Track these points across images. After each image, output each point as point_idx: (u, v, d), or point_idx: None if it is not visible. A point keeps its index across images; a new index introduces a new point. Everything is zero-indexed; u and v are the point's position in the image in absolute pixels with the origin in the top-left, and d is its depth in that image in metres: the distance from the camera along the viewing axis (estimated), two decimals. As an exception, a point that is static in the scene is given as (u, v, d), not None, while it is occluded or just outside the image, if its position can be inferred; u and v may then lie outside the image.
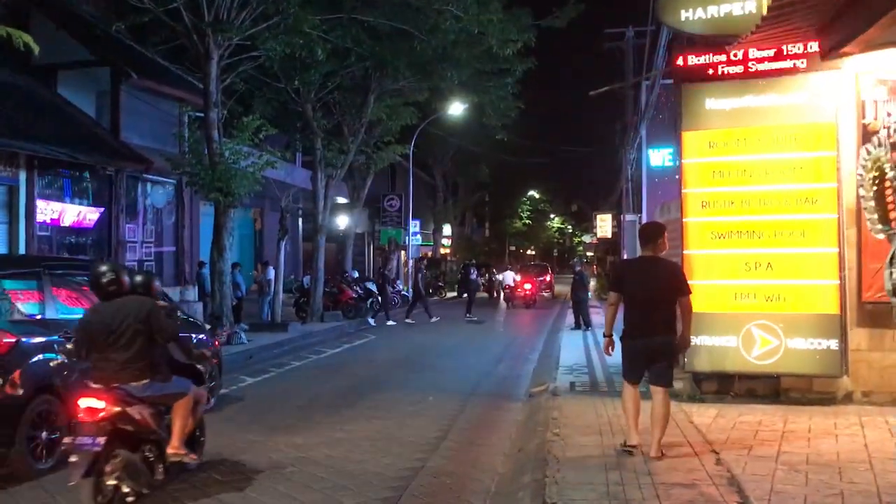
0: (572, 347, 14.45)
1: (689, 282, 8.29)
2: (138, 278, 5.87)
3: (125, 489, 5.01)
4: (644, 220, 31.25)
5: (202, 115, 16.04)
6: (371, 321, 21.38)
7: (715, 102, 8.60)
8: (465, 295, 25.32)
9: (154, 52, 19.19)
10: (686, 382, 8.86)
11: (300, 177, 26.15)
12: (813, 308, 8.20)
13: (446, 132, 34.74)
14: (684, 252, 8.64)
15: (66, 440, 5.02)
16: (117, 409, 5.05)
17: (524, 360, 14.00)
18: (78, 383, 5.70)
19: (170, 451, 5.33)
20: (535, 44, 21.57)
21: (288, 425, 8.24)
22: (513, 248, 68.76)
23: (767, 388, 8.61)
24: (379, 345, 16.75)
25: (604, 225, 37.19)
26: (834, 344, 8.11)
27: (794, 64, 8.22)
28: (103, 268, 5.44)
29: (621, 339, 6.27)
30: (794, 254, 8.25)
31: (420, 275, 23.76)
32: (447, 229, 43.97)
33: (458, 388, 10.72)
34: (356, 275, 23.98)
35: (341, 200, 30.00)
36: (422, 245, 41.47)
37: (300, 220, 33.01)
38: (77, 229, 16.22)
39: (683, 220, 8.66)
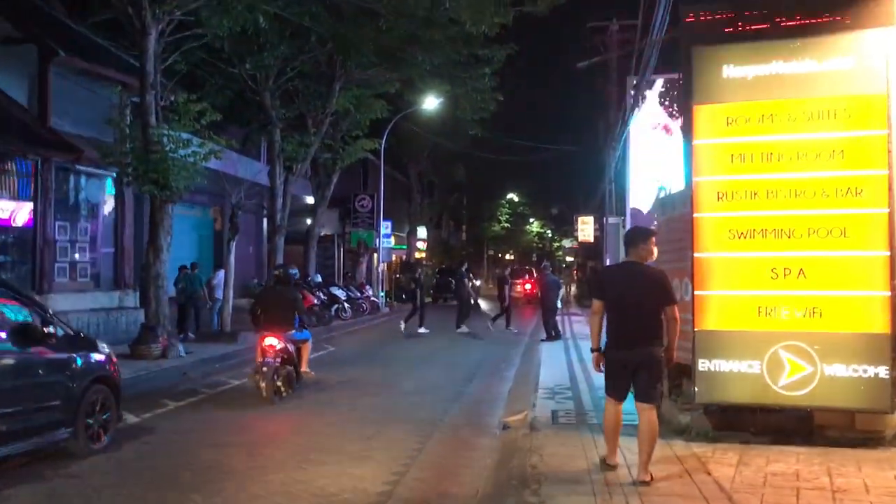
0: (553, 364, 12.76)
1: (700, 292, 6.78)
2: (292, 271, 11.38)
3: (283, 388, 9.80)
4: (628, 223, 29.75)
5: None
6: (422, 330, 19.76)
7: (734, 70, 6.94)
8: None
9: (92, 30, 17.29)
10: (695, 417, 7.19)
11: (265, 173, 24.18)
12: (856, 326, 6.54)
13: (421, 128, 33.01)
14: (695, 255, 6.96)
15: (259, 360, 9.75)
16: (282, 344, 9.90)
17: (500, 378, 12.27)
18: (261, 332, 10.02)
19: (302, 370, 10.57)
20: (517, 40, 20.11)
21: (187, 483, 6.43)
22: (491, 253, 67.12)
23: (797, 425, 6.94)
24: (338, 357, 14.95)
25: (585, 228, 35.58)
26: (883, 371, 6.45)
27: (837, 18, 6.57)
28: (280, 269, 11.35)
29: (604, 352, 5.91)
30: (833, 258, 6.59)
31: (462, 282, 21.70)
32: (422, 232, 42.17)
33: (421, 416, 8.96)
34: (319, 279, 22.17)
35: (310, 200, 28.28)
36: (395, 248, 39.65)
37: (264, 220, 31.26)
38: (-4, 227, 14.30)
39: (694, 215, 6.98)
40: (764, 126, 6.81)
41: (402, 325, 20.08)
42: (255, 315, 10.34)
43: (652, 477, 5.59)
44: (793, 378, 6.65)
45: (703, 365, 6.90)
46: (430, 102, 26.91)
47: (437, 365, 13.85)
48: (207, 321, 18.47)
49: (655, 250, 6.11)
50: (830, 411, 6.76)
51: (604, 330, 5.98)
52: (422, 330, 19.94)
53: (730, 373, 6.82)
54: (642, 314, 5.73)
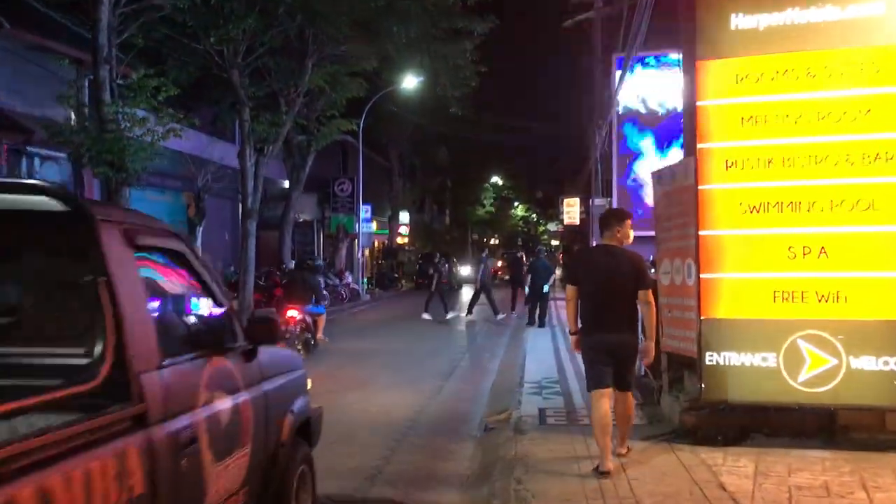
0: (539, 353, 11.92)
1: (706, 275, 5.93)
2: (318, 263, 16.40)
3: (301, 352, 11.27)
4: (615, 204, 28.92)
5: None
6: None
7: (744, 19, 6.04)
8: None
9: (44, 3, 16.14)
10: (702, 417, 6.34)
11: (233, 155, 23.09)
12: (887, 312, 5.70)
13: (402, 109, 31.96)
14: (700, 233, 6.09)
15: (282, 329, 9.60)
16: (301, 315, 12.30)
17: (482, 370, 11.41)
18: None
19: (318, 337, 13.15)
20: (499, 14, 19.14)
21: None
22: (475, 237, 66.16)
23: (817, 425, 6.11)
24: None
25: (571, 210, 34.70)
26: (918, 364, 5.63)
27: (865, -45, 5.70)
28: (310, 259, 16.28)
29: (582, 337, 5.67)
30: (860, 234, 5.75)
31: (483, 267, 21.00)
32: (404, 217, 41.16)
33: (392, 418, 8.06)
34: (293, 266, 21.13)
35: (287, 184, 27.28)
36: (376, 233, 38.67)
37: (240, 205, 30.16)
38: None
39: (699, 187, 6.10)
40: (779, 83, 5.92)
41: (426, 314, 19.70)
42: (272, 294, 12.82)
43: (629, 449, 5.76)
44: (814, 372, 5.81)
45: (710, 358, 6.04)
46: (410, 81, 25.90)
47: (416, 357, 12.95)
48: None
49: (632, 233, 5.77)
50: (857, 409, 5.92)
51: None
52: (450, 315, 20.02)
53: (741, 367, 5.97)
54: (618, 299, 5.48)
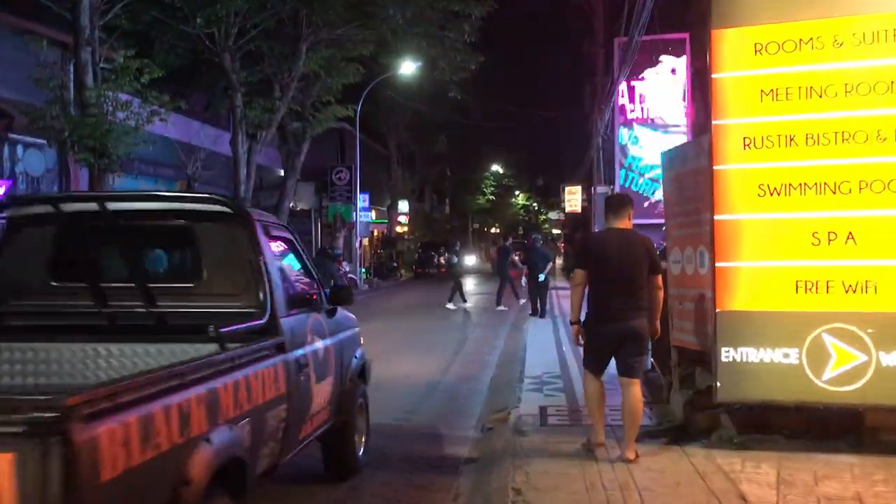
0: (540, 345, 11.43)
1: (722, 264, 5.43)
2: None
3: None
4: (618, 190, 28.38)
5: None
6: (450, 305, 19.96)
7: (764, -18, 5.52)
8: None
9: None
10: (716, 417, 5.85)
11: (224, 141, 22.50)
12: (921, 303, 5.20)
13: (400, 95, 31.41)
14: (716, 218, 5.57)
15: None
16: None
17: (481, 364, 10.92)
18: None
19: None
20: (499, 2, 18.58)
21: None
22: (476, 226, 65.69)
23: (843, 427, 5.62)
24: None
25: (573, 198, 34.17)
26: (956, 360, 5.14)
27: None
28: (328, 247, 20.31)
29: (585, 324, 5.58)
30: (893, 218, 5.23)
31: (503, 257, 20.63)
32: (404, 206, 40.64)
33: (383, 418, 7.56)
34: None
35: (282, 173, 26.80)
36: (375, 223, 38.19)
37: (234, 193, 29.68)
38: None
39: (714, 168, 5.58)
40: (802, 53, 5.40)
41: (450, 304, 20.09)
42: None
43: (637, 455, 5.33)
44: (840, 370, 5.31)
45: (726, 354, 5.54)
46: (408, 67, 25.37)
47: (413, 350, 12.46)
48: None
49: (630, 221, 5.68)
50: (888, 411, 5.43)
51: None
52: (450, 306, 20.14)
53: (760, 364, 5.47)
54: (630, 284, 5.34)
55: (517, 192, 71.16)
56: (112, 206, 4.49)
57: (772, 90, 5.44)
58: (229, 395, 3.39)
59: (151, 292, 4.47)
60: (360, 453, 5.61)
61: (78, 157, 12.26)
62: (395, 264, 36.16)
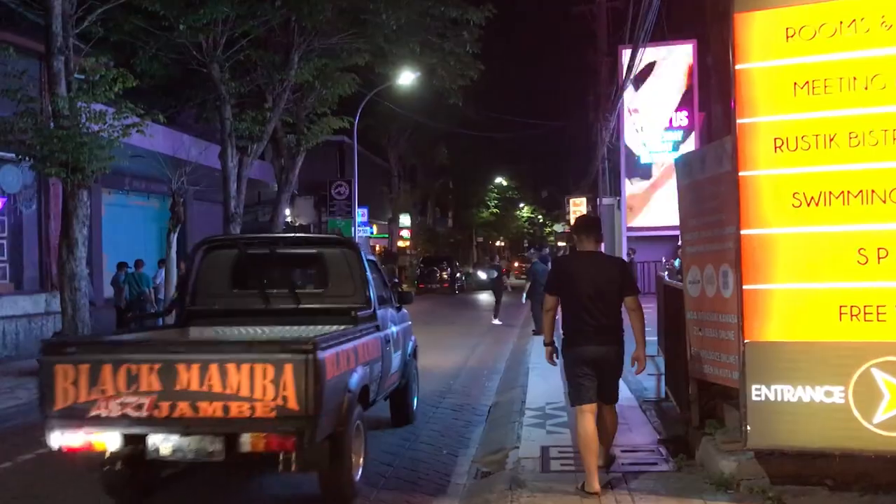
0: (544, 370, 10.55)
1: (751, 286, 4.63)
2: None
3: None
4: (624, 202, 27.58)
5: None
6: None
7: (795, -43, 4.73)
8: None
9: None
10: (745, 463, 5.03)
11: (210, 154, 21.66)
12: None
13: (400, 106, 30.68)
14: (743, 233, 4.76)
15: None
16: None
17: (480, 390, 10.10)
18: None
19: None
20: (500, 6, 17.90)
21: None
22: (480, 240, 64.87)
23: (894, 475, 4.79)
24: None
25: (578, 210, 33.31)
26: None
27: None
28: None
29: (563, 350, 5.46)
30: (954, 231, 4.42)
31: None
32: (405, 220, 39.86)
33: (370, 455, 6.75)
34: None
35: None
36: (376, 237, 37.42)
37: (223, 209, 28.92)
38: None
39: (740, 174, 4.78)
40: (844, 38, 4.60)
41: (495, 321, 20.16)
42: None
43: (613, 457, 5.75)
44: (894, 411, 4.48)
45: (756, 393, 4.72)
46: (406, 77, 24.54)
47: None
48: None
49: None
50: (953, 459, 4.59)
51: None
52: (496, 322, 20.15)
53: (798, 404, 4.64)
54: (603, 307, 5.25)
55: (521, 205, 70.37)
56: (271, 244, 7.52)
57: (807, 82, 4.64)
58: (360, 350, 5.79)
59: (297, 295, 7.00)
60: (414, 409, 8.13)
61: (47, 172, 11.51)
62: (396, 280, 35.37)
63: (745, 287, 4.76)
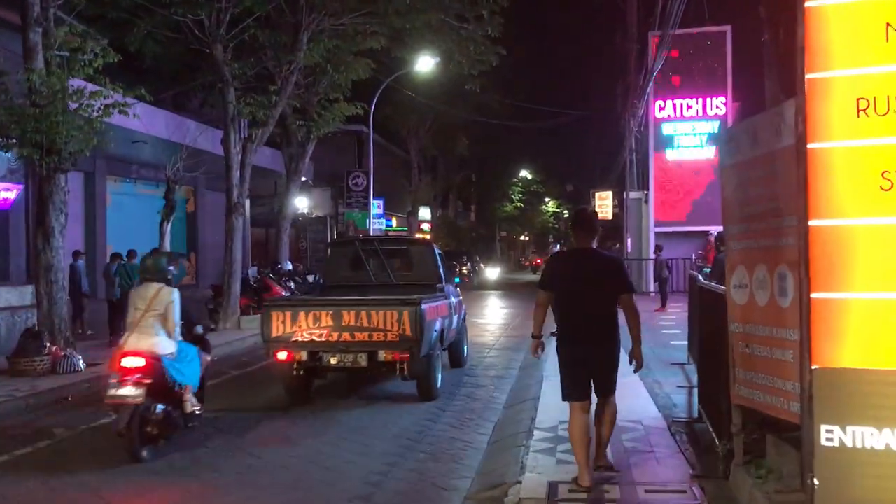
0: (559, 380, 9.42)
1: (821, 295, 3.45)
2: None
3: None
4: (651, 196, 26.25)
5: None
6: None
7: None
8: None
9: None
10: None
11: (208, 138, 20.57)
12: None
13: (420, 94, 29.58)
14: (810, 223, 3.60)
15: None
16: None
17: (484, 403, 8.98)
18: None
19: None
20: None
21: None
22: (504, 234, 63.61)
23: None
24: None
25: (604, 204, 32.03)
26: None
27: None
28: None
29: (557, 347, 5.36)
30: None
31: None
32: (425, 213, 38.80)
33: (346, 484, 5.68)
34: (289, 267, 18.88)
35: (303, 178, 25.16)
36: (394, 230, 36.36)
37: (247, 201, 28.05)
38: None
39: (808, 146, 3.61)
40: (955, -37, 3.42)
41: None
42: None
43: (609, 464, 5.47)
44: None
45: (828, 436, 3.56)
46: (425, 63, 23.34)
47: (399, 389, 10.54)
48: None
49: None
50: None
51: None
52: None
53: (888, 454, 3.48)
54: (598, 306, 5.25)
55: (547, 199, 68.97)
56: (374, 241, 11.70)
57: (903, 23, 3.47)
58: (439, 309, 9.13)
59: (393, 276, 10.45)
60: (465, 356, 11.55)
61: (20, 154, 10.59)
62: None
63: (812, 296, 3.59)
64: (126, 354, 6.45)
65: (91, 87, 10.91)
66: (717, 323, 6.06)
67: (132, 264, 14.98)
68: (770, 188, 4.34)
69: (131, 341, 6.56)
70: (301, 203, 31.34)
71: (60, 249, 11.05)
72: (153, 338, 6.59)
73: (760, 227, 4.46)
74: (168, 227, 14.30)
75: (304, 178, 26.74)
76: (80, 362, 10.77)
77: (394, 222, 36.63)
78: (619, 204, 31.23)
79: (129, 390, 6.27)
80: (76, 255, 15.24)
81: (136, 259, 15.24)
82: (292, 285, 17.98)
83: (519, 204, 59.71)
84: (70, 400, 9.35)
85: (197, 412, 6.93)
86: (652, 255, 25.22)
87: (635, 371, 5.45)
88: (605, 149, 37.12)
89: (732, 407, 4.91)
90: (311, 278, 20.12)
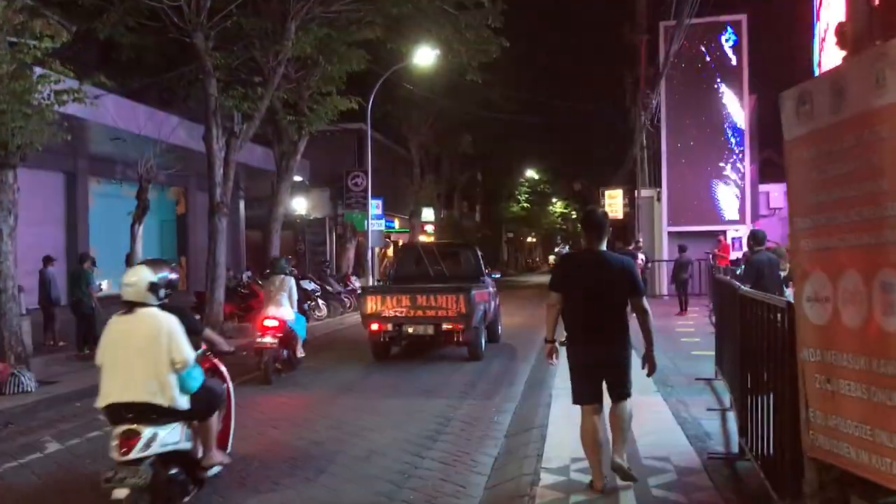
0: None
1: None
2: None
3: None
4: (665, 193, 24.97)
5: None
6: None
7: None
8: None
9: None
10: None
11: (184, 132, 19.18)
12: None
13: (421, 90, 28.37)
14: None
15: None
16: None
17: (484, 428, 7.76)
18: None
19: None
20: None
21: None
22: (510, 235, 62.32)
23: None
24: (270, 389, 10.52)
25: (613, 203, 30.69)
26: None
27: None
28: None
29: (567, 350, 5.32)
30: None
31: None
32: (428, 213, 37.54)
33: None
34: (284, 270, 17.60)
35: (297, 178, 24.02)
36: (396, 232, 35.14)
37: (241, 203, 26.91)
38: None
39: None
40: None
41: None
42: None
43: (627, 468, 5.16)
44: None
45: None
46: (424, 56, 21.98)
47: (399, 407, 9.34)
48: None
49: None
50: None
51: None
52: None
53: None
54: (607, 307, 5.20)
55: (554, 200, 67.64)
56: (432, 245, 17.60)
57: None
58: (482, 295, 12.51)
59: (446, 271, 13.65)
60: (499, 333, 14.45)
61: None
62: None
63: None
64: (266, 317, 10.49)
65: (41, 71, 9.74)
66: (762, 340, 4.88)
67: (84, 270, 13.47)
68: (865, 164, 3.12)
69: (270, 310, 10.61)
70: (299, 205, 30.22)
71: (10, 255, 9.89)
72: (282, 308, 10.65)
73: (850, 219, 3.24)
74: (140, 230, 13.13)
75: (300, 179, 25.60)
76: (32, 382, 9.60)
77: (396, 224, 35.45)
78: (630, 202, 29.95)
79: (268, 340, 10.34)
80: (47, 261, 14.07)
81: (89, 264, 13.65)
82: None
83: (525, 204, 58.39)
84: (10, 427, 8.18)
85: (301, 356, 11.27)
86: (665, 256, 23.99)
87: (648, 375, 5.36)
88: (614, 145, 35.83)
89: (805, 460, 3.68)
90: (306, 285, 18.91)
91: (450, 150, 38.02)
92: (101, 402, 4.68)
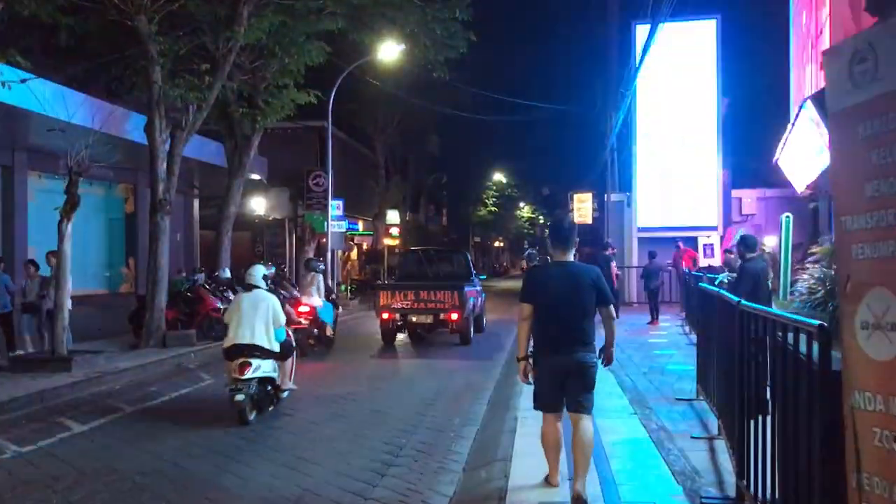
0: (537, 423, 7.27)
1: None
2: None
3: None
4: (636, 197, 24.25)
5: None
6: None
7: None
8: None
9: None
10: None
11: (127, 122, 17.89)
12: None
13: (387, 87, 27.35)
14: None
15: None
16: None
17: (443, 453, 6.79)
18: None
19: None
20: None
21: None
22: (477, 240, 61.43)
23: None
24: (203, 397, 9.45)
25: (583, 207, 29.94)
26: None
27: None
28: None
29: (534, 357, 5.38)
30: None
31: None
32: (393, 216, 36.49)
33: None
34: (228, 275, 16.49)
35: (255, 177, 22.92)
36: (359, 234, 34.07)
37: (195, 201, 25.64)
38: None
39: None
40: None
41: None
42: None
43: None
44: None
45: None
46: (389, 50, 20.96)
47: (355, 426, 8.35)
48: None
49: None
50: None
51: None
52: None
53: None
54: (575, 317, 5.23)
55: (522, 205, 66.94)
56: (430, 251, 18.56)
57: None
58: (472, 293, 15.11)
59: (441, 272, 16.49)
60: (483, 325, 17.11)
61: None
62: (379, 282, 32.19)
63: None
64: (300, 304, 13.27)
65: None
66: (778, 373, 3.99)
67: None
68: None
69: (304, 299, 13.55)
70: (258, 205, 29.03)
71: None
72: (312, 297, 13.63)
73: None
74: (69, 227, 11.91)
75: (258, 178, 24.43)
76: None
77: (360, 226, 34.39)
78: (599, 206, 29.24)
79: (303, 321, 12.76)
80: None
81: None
82: (231, 296, 15.61)
83: (493, 208, 57.57)
84: None
85: (331, 336, 14.07)
86: (635, 263, 23.28)
87: (605, 365, 5.39)
88: (584, 148, 35.14)
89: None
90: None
91: (417, 152, 37.02)
92: (227, 343, 8.03)
